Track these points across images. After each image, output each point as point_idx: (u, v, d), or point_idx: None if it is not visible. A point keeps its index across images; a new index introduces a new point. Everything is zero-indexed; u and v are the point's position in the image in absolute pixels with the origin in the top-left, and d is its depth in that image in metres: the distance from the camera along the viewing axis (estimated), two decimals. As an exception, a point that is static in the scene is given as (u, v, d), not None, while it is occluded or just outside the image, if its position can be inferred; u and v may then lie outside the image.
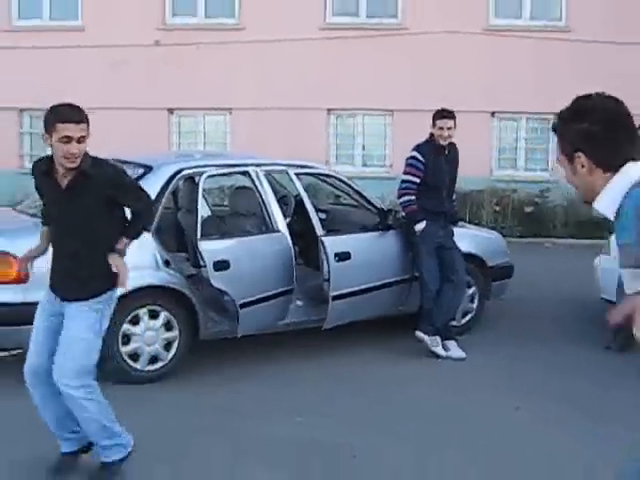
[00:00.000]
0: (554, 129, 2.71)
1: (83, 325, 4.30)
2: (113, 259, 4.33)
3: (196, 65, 15.14)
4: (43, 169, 4.34)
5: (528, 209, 15.15)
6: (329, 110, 15.87)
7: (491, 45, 15.09)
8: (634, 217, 2.48)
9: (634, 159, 2.60)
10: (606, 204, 2.62)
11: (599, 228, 13.71)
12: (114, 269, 4.31)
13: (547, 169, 15.96)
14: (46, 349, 4.37)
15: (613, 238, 8.17)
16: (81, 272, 4.30)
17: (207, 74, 15.12)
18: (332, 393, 6.31)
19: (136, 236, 4.55)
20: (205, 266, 6.28)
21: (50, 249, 4.52)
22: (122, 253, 4.41)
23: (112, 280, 4.35)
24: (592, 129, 2.56)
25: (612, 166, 2.60)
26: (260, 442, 5.26)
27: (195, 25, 15.62)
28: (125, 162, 7.14)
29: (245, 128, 15.30)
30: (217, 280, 6.28)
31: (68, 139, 4.04)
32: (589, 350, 7.52)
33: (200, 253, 6.29)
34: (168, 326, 6.42)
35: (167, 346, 6.43)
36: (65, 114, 4.09)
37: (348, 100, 15.46)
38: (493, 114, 15.60)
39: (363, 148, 16.20)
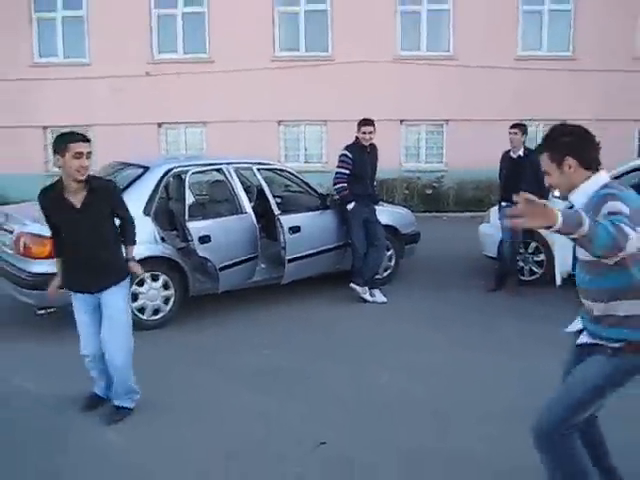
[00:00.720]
0: (540, 150, 2.90)
1: (122, 297, 4.30)
2: (133, 266, 4.40)
3: (178, 90, 14.87)
4: (53, 195, 4.13)
5: (428, 191, 15.14)
6: (279, 122, 15.73)
7: (399, 70, 15.02)
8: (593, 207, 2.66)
9: (599, 163, 2.86)
10: (578, 198, 2.83)
11: (480, 205, 13.93)
12: (135, 271, 4.41)
13: (442, 162, 15.92)
14: (96, 338, 4.31)
15: (491, 210, 8.33)
16: (106, 267, 4.23)
17: (187, 96, 14.86)
18: (288, 331, 6.32)
19: (135, 242, 4.48)
20: (192, 240, 6.24)
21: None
22: (134, 258, 4.45)
23: (127, 269, 4.37)
24: (575, 140, 2.85)
25: (590, 165, 2.83)
26: (238, 370, 5.29)
27: (176, 59, 15.32)
28: (128, 164, 7.09)
29: (217, 137, 15.09)
30: (202, 250, 6.25)
31: (80, 154, 3.92)
32: (477, 292, 7.62)
33: (188, 230, 6.24)
34: (166, 286, 6.37)
35: (166, 301, 6.38)
36: (75, 136, 3.99)
37: (294, 114, 15.33)
38: (401, 122, 15.55)
39: (305, 149, 16.08)
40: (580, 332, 3.07)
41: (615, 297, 2.80)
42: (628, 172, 7.65)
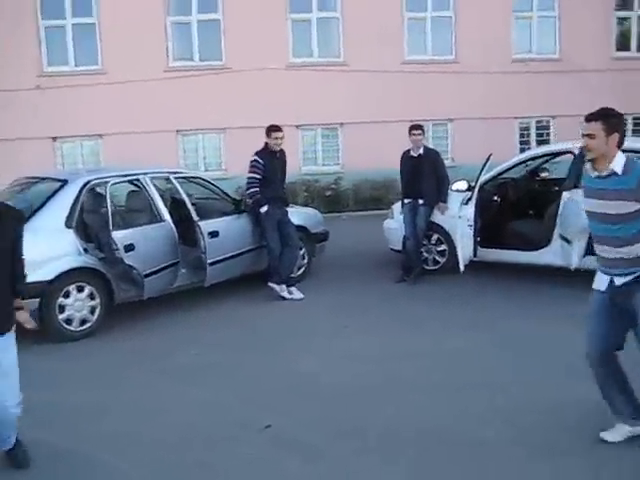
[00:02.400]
0: (594, 119, 3.68)
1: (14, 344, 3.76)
2: (24, 317, 3.85)
3: (72, 103, 14.67)
4: None
5: (327, 193, 15.63)
6: (177, 131, 15.86)
7: (292, 77, 15.51)
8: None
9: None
10: (617, 166, 3.65)
11: (379, 203, 14.63)
12: (25, 324, 3.86)
13: (338, 164, 16.51)
14: None
15: (394, 207, 8.93)
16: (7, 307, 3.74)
17: (81, 109, 14.70)
18: (216, 329, 6.62)
19: (26, 287, 3.91)
20: (118, 249, 6.43)
21: None
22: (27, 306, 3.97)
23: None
24: (622, 123, 3.76)
25: (621, 144, 3.70)
26: (171, 369, 5.55)
27: (68, 72, 15.12)
28: (42, 178, 7.17)
29: (114, 149, 14.97)
30: (128, 259, 6.45)
31: None
32: (386, 284, 8.14)
33: (113, 240, 6.41)
34: (92, 296, 6.49)
35: (92, 311, 6.50)
36: None
37: (192, 123, 15.52)
38: (297, 127, 15.95)
39: (204, 158, 16.26)
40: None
41: (636, 240, 3.66)
42: (525, 161, 8.54)
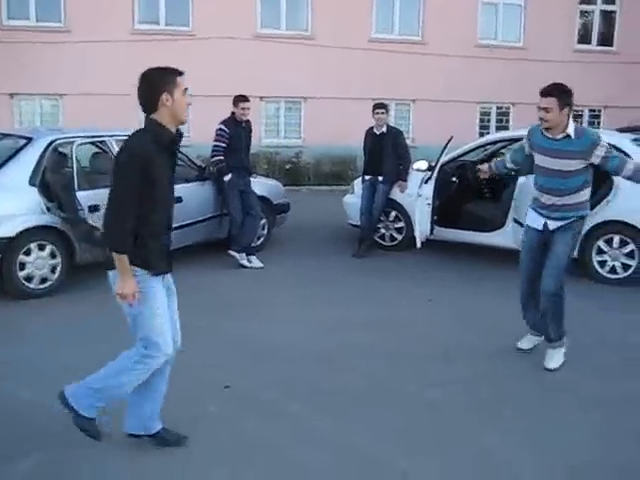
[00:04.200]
0: (549, 94, 4.43)
1: None
2: None
3: (32, 59, 14.34)
4: None
5: (287, 166, 15.71)
6: (138, 96, 15.69)
7: (259, 48, 15.49)
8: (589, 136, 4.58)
9: None
10: (572, 130, 4.51)
11: (338, 179, 14.86)
12: None
13: (300, 137, 16.63)
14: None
15: (355, 182, 9.13)
16: None
17: (41, 67, 14.39)
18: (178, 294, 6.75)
19: None
20: (82, 209, 6.49)
21: None
22: None
23: None
24: (571, 96, 4.50)
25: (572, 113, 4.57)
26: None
27: (29, 27, 14.75)
28: (6, 134, 7.14)
29: (74, 109, 14.76)
30: (91, 219, 6.52)
31: None
32: (343, 256, 8.38)
33: (78, 200, 6.47)
34: (53, 255, 6.54)
35: (53, 270, 6.57)
36: None
37: (154, 87, 15.37)
38: (262, 98, 15.89)
39: (167, 124, 16.12)
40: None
41: (577, 190, 4.61)
42: (485, 145, 8.81)
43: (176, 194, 7.12)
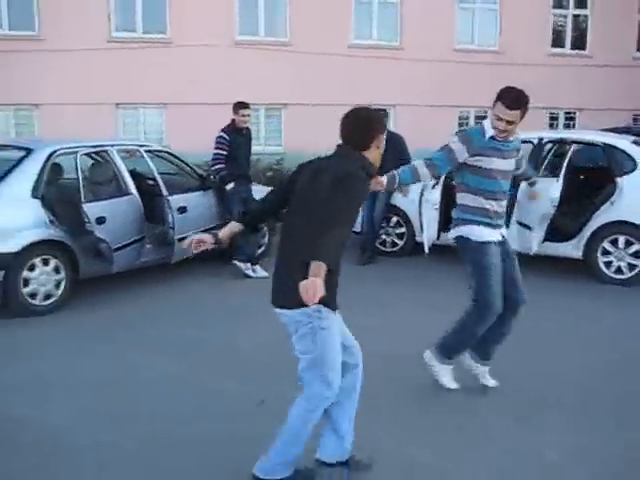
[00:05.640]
0: (517, 108, 4.16)
1: None
2: None
3: (8, 68, 13.95)
4: None
5: (269, 173, 15.62)
6: (117, 104, 15.42)
7: (237, 54, 15.28)
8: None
9: None
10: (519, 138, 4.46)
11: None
12: None
13: (281, 145, 16.49)
14: None
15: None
16: None
17: (18, 76, 14.01)
18: (183, 305, 6.61)
19: None
20: (89, 222, 6.27)
21: None
22: None
23: None
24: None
25: None
26: (139, 342, 5.52)
27: (1, 35, 14.42)
28: (4, 146, 6.89)
29: (50, 119, 14.44)
30: (99, 231, 6.31)
31: None
32: (347, 264, 8.20)
33: (85, 213, 6.25)
34: (57, 270, 6.32)
35: (57, 285, 6.34)
36: None
37: (133, 96, 15.11)
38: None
39: (144, 133, 15.89)
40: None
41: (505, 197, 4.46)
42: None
43: (182, 204, 7.34)
